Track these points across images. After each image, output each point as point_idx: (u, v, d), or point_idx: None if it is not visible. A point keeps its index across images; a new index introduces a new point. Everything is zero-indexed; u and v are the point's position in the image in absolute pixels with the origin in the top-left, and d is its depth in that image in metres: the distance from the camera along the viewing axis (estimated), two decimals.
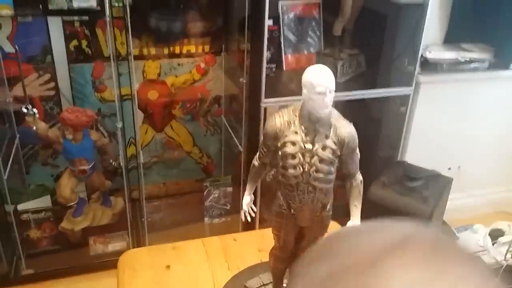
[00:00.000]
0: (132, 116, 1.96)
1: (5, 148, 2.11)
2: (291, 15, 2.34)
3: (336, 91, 2.22)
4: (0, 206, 2.03)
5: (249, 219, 1.23)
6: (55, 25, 2.11)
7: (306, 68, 2.31)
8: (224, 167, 2.67)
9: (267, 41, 2.22)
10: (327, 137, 1.06)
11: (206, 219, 2.46)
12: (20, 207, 2.21)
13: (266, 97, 2.09)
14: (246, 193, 1.23)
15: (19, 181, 2.37)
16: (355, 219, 1.16)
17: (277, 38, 2.27)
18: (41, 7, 1.73)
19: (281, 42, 2.31)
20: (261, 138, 1.18)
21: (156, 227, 2.39)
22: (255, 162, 1.19)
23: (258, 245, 1.60)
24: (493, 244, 2.42)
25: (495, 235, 2.47)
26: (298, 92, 2.12)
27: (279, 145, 1.07)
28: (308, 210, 1.14)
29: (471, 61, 2.24)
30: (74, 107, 2.04)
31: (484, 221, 2.60)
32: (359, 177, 1.15)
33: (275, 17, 2.29)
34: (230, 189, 2.42)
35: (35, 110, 1.90)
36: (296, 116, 1.07)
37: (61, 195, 2.12)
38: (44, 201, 2.23)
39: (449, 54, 2.25)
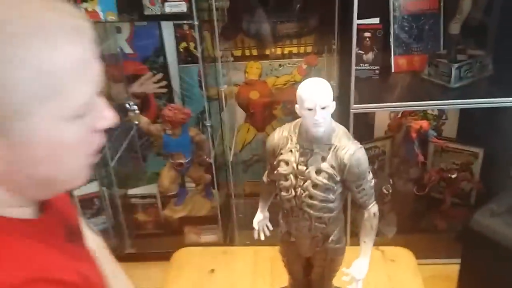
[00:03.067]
0: (219, 116, 1.99)
1: (120, 138, 2.34)
2: (405, 11, 2.08)
3: (449, 98, 1.94)
4: (111, 191, 2.25)
5: (262, 237, 1.14)
6: (167, 29, 2.25)
7: (419, 71, 2.08)
8: None
9: (370, 41, 2.05)
10: (323, 159, 0.91)
11: None
12: (132, 191, 2.41)
13: (357, 102, 1.90)
14: (259, 210, 1.15)
15: (138, 167, 2.61)
16: (362, 257, 0.98)
17: (382, 37, 2.05)
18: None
19: (389, 41, 2.08)
20: None
21: (249, 225, 2.38)
22: (264, 178, 1.10)
23: None
24: None
25: None
26: (408, 97, 1.93)
27: (275, 163, 0.97)
28: (307, 239, 1.01)
29: None
30: (174, 105, 2.16)
31: None
32: (373, 209, 0.98)
33: (384, 14, 2.07)
34: None
35: (135, 106, 2.06)
36: (295, 132, 0.95)
37: (161, 185, 2.27)
38: (152, 189, 2.40)
39: None
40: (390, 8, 2.08)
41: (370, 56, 2.10)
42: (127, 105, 2.08)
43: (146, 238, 2.41)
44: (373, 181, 0.96)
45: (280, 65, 2.29)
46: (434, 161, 2.38)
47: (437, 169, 2.29)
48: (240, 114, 2.44)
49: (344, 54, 1.96)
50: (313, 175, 0.92)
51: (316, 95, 0.88)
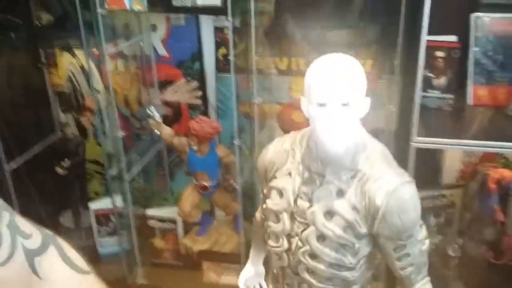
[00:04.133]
0: (250, 135, 1.67)
1: (143, 149, 2.09)
2: (490, 32, 1.68)
3: None
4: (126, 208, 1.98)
5: None
6: (207, 31, 2.00)
7: (503, 106, 1.66)
8: None
9: (444, 62, 1.66)
10: (340, 193, 0.56)
11: None
12: (151, 212, 2.12)
13: (421, 134, 1.51)
14: (249, 262, 0.79)
15: (163, 186, 2.34)
16: None
17: (460, 60, 1.65)
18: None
19: (467, 66, 1.68)
20: None
21: None
22: (257, 214, 0.75)
23: None
24: None
25: None
26: (487, 137, 1.52)
27: (265, 191, 0.62)
28: None
29: None
30: (203, 117, 1.89)
31: None
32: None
33: (464, 32, 1.68)
34: None
35: (156, 113, 1.78)
36: (301, 145, 0.60)
37: (181, 208, 1.97)
38: (174, 212, 2.10)
39: None
40: (471, 26, 1.68)
41: (442, 81, 1.71)
42: (148, 110, 1.81)
43: (161, 269, 2.11)
44: (426, 242, 0.57)
45: None
46: None
47: None
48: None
49: (407, 75, 1.58)
50: (320, 218, 0.57)
51: (333, 82, 0.54)
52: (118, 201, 2.05)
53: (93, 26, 1.70)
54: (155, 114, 1.82)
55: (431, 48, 1.64)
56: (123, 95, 2.20)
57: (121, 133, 1.83)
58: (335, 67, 0.58)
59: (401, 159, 1.62)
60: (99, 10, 1.63)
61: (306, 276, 0.61)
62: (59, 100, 2.29)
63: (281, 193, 0.63)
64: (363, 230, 0.59)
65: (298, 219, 0.62)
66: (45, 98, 2.25)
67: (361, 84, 0.56)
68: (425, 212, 1.95)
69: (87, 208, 2.27)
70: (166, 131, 1.88)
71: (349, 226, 0.60)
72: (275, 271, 0.66)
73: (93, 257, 2.25)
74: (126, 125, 2.27)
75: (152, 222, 2.15)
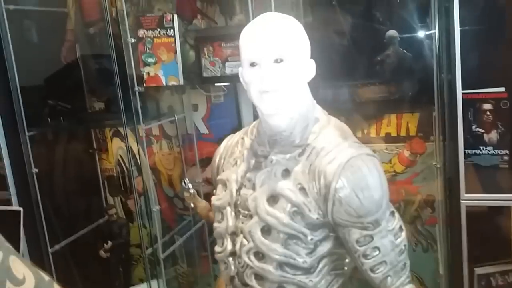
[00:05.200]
0: None
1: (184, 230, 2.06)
2: None
3: None
4: None
5: None
6: (246, 105, 2.04)
7: None
8: None
9: (492, 115, 1.54)
10: (286, 173, 0.48)
11: None
12: None
13: (470, 191, 1.36)
14: None
15: (208, 270, 2.25)
16: None
17: (510, 111, 1.52)
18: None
19: None
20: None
21: None
22: None
23: None
24: None
25: None
26: None
27: (214, 190, 0.55)
28: None
29: None
30: None
31: None
32: None
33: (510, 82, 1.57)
34: None
35: (190, 186, 1.76)
36: (252, 133, 0.54)
37: None
38: None
39: None
40: None
41: (493, 136, 1.56)
42: (182, 183, 1.80)
43: None
44: (402, 235, 0.46)
45: (374, 151, 1.84)
46: None
47: None
48: None
49: (450, 133, 1.46)
50: (262, 204, 0.49)
51: (261, 37, 0.49)
52: (155, 285, 1.98)
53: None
54: (189, 186, 1.79)
55: (476, 101, 1.53)
56: (167, 175, 2.23)
57: (156, 208, 1.82)
58: (265, 23, 0.54)
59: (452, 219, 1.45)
60: (136, 88, 1.72)
61: (255, 284, 0.50)
62: (108, 184, 2.36)
63: (225, 185, 0.56)
64: (314, 215, 0.48)
65: (242, 211, 0.53)
66: (96, 183, 2.34)
67: (298, 40, 0.51)
68: None
69: None
70: (201, 205, 1.82)
71: (297, 212, 0.49)
72: (225, 285, 0.56)
73: None
74: (170, 206, 2.26)
75: None
